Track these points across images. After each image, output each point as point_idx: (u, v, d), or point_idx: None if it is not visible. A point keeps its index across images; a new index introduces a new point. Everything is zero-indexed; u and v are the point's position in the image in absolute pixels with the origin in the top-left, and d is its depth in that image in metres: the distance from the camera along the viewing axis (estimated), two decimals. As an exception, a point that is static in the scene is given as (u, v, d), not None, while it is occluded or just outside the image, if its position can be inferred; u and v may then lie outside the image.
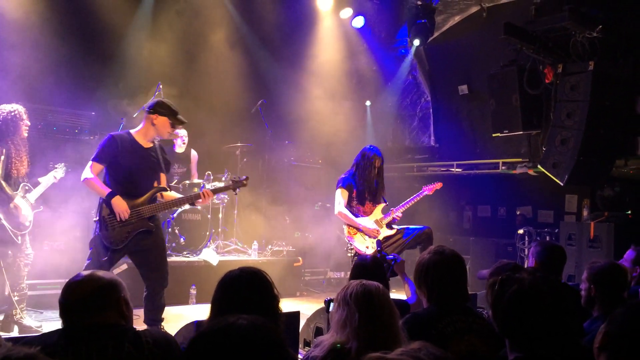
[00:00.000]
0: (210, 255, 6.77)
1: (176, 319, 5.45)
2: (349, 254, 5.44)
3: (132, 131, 4.39)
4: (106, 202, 4.17)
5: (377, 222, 5.42)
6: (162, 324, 4.47)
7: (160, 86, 6.90)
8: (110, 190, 4.17)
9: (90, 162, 4.25)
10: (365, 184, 5.42)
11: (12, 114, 4.71)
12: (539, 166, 6.84)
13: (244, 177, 4.73)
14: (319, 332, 3.58)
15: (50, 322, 5.00)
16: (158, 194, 4.43)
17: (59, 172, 5.12)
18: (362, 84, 9.94)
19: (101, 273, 2.07)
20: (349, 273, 5.71)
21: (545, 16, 6.57)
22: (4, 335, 4.49)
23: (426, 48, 9.23)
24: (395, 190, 7.57)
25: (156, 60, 7.61)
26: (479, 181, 8.76)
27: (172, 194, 4.54)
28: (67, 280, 2.05)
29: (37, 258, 5.23)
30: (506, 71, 7.26)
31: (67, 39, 6.66)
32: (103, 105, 7.02)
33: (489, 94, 7.63)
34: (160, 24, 7.74)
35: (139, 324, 3.89)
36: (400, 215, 5.51)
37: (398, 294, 3.94)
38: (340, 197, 5.38)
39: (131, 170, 4.28)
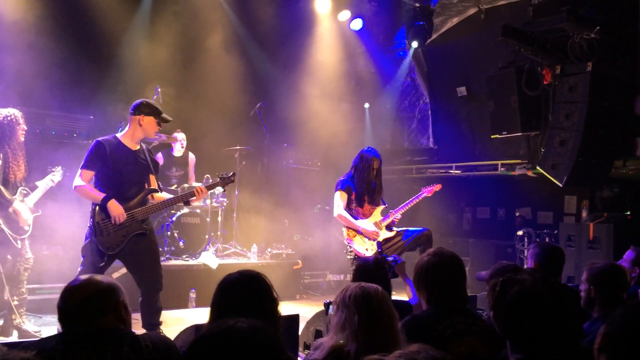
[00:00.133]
0: (209, 258, 6.76)
1: (176, 322, 5.45)
2: (349, 257, 5.44)
3: (118, 135, 4.39)
4: (101, 207, 4.15)
5: (376, 224, 5.43)
6: (162, 327, 4.46)
7: (159, 89, 6.91)
8: (104, 194, 4.16)
9: (79, 170, 4.24)
10: (363, 186, 5.42)
11: (9, 118, 4.71)
12: (537, 167, 6.84)
13: (232, 173, 4.73)
14: (318, 335, 3.58)
15: (49, 326, 5.00)
16: (149, 196, 4.43)
17: (56, 176, 5.12)
18: (360, 86, 9.95)
19: (100, 277, 2.07)
20: (348, 276, 5.73)
21: (543, 17, 6.60)
22: (3, 340, 4.49)
23: (424, 50, 9.24)
24: (395, 192, 7.56)
25: (154, 64, 7.61)
26: (478, 183, 8.76)
27: (163, 195, 4.56)
28: (66, 284, 2.04)
29: (36, 262, 5.22)
30: (504, 72, 7.27)
31: (65, 42, 6.66)
32: (101, 109, 7.01)
33: (488, 96, 7.65)
34: (158, 27, 7.74)
35: (138, 329, 3.88)
36: (399, 217, 5.52)
37: (399, 296, 3.93)
38: (340, 199, 5.38)
39: (121, 174, 4.28)
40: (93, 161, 4.22)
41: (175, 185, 7.12)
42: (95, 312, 1.94)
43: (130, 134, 4.38)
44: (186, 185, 7.12)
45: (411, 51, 9.16)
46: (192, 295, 6.30)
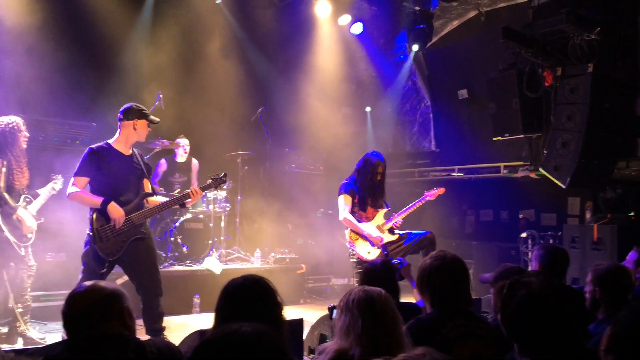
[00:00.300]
0: (213, 264, 6.76)
1: (180, 328, 5.45)
2: (351, 260, 5.44)
3: (110, 141, 4.40)
4: (101, 211, 4.16)
5: (379, 227, 5.43)
6: (166, 333, 4.46)
7: (161, 96, 6.93)
8: (103, 198, 4.17)
9: (72, 178, 4.24)
10: (367, 189, 5.42)
11: (10, 125, 4.72)
12: (540, 169, 6.83)
13: (223, 173, 4.74)
14: (322, 339, 3.57)
15: (54, 333, 4.99)
16: (144, 200, 4.44)
17: (57, 184, 5.13)
18: (361, 90, 9.97)
19: (103, 283, 2.08)
20: (352, 279, 5.72)
21: (543, 19, 6.60)
22: (8, 347, 4.49)
23: (425, 53, 9.26)
24: (397, 195, 7.56)
25: (155, 69, 7.63)
26: (481, 185, 8.75)
27: (158, 199, 4.57)
28: (70, 291, 2.05)
29: (40, 269, 5.23)
30: (505, 75, 7.28)
31: (66, 48, 6.66)
32: (103, 116, 7.03)
33: (489, 98, 7.65)
34: (159, 32, 7.77)
35: (142, 335, 3.88)
36: (400, 221, 5.51)
37: (406, 298, 3.92)
38: (344, 202, 5.39)
39: (117, 179, 4.29)
40: (87, 168, 4.23)
41: (178, 191, 7.13)
42: (99, 318, 1.94)
43: (124, 139, 4.39)
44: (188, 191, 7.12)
45: (412, 54, 9.17)
46: (196, 300, 6.30)
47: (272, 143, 8.50)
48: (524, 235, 7.65)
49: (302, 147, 9.07)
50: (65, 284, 5.45)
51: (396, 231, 5.48)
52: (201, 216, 7.22)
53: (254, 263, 7.40)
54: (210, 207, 7.38)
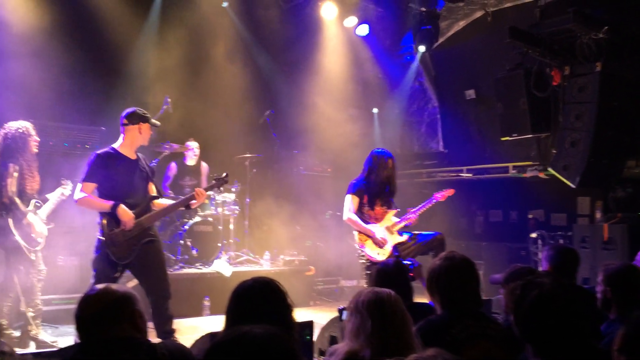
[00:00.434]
0: (222, 266, 6.78)
1: (191, 330, 5.46)
2: (361, 261, 5.41)
3: (115, 146, 4.42)
4: (111, 215, 4.19)
5: (387, 228, 5.36)
6: (176, 336, 4.48)
7: (169, 100, 6.96)
8: (112, 202, 4.20)
9: (79, 184, 4.26)
10: (377, 187, 5.34)
11: (20, 130, 4.78)
12: (549, 169, 6.81)
13: (225, 174, 4.79)
14: (333, 340, 3.57)
15: (65, 336, 5.03)
16: (151, 203, 4.48)
17: (66, 189, 5.17)
18: (368, 92, 9.96)
19: (115, 286, 2.09)
20: (361, 281, 5.70)
21: (550, 19, 6.58)
22: (22, 351, 4.53)
23: (431, 54, 9.25)
24: (405, 196, 7.53)
25: (163, 74, 7.66)
26: (490, 185, 8.72)
27: (164, 202, 4.60)
28: (82, 294, 2.07)
29: (52, 273, 5.28)
30: (513, 74, 7.26)
31: (75, 53, 6.70)
32: (113, 120, 7.08)
33: (497, 98, 7.63)
34: (167, 37, 7.81)
35: (153, 338, 3.90)
36: (414, 217, 5.40)
37: (418, 299, 3.91)
38: (350, 203, 5.34)
39: (124, 184, 4.32)
40: (94, 173, 4.25)
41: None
42: (111, 321, 1.96)
43: (129, 144, 4.42)
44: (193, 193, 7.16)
45: (418, 55, 9.16)
46: (206, 303, 6.32)
47: (280, 145, 8.52)
48: (533, 235, 7.61)
49: (309, 149, 9.07)
50: (77, 288, 5.51)
51: (405, 232, 5.44)
52: (210, 219, 7.25)
53: (263, 265, 7.42)
54: (219, 210, 7.40)
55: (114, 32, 7.14)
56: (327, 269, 8.11)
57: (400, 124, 10.14)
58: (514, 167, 8.15)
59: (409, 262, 3.74)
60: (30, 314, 4.70)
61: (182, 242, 6.86)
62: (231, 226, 7.60)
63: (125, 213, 4.20)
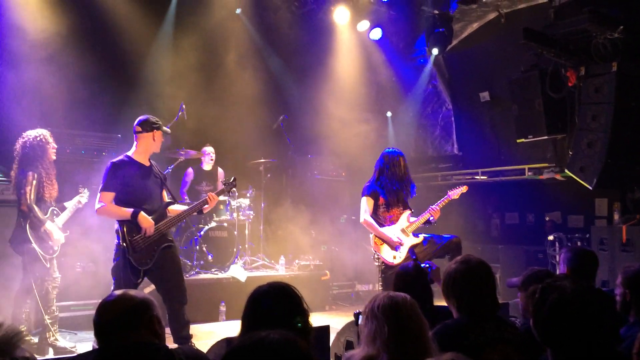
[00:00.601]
0: (238, 271, 6.81)
1: (207, 336, 5.49)
2: (376, 264, 5.38)
3: (129, 153, 4.47)
4: (131, 222, 4.23)
5: (403, 230, 5.32)
6: (193, 341, 4.51)
7: (184, 106, 7.01)
8: (132, 209, 4.24)
9: (99, 194, 4.30)
10: (393, 187, 5.28)
11: (38, 138, 4.86)
12: (566, 170, 6.74)
13: (233, 178, 4.94)
14: (349, 345, 3.57)
15: (84, 342, 5.09)
16: (166, 209, 4.52)
17: (83, 197, 5.23)
18: (382, 95, 9.96)
19: (133, 292, 2.11)
20: (377, 285, 5.68)
21: (564, 19, 6.52)
22: (41, 358, 4.58)
23: (445, 56, 9.22)
24: (420, 199, 7.49)
25: (177, 80, 7.74)
26: (505, 188, 8.66)
27: (178, 207, 4.63)
28: (100, 300, 2.09)
29: (70, 279, 5.33)
30: (528, 76, 7.21)
31: (90, 61, 6.77)
32: (128, 127, 7.16)
33: (511, 100, 7.58)
34: (181, 44, 7.89)
35: (170, 344, 3.92)
36: (436, 208, 5.34)
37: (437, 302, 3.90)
38: (366, 205, 5.30)
39: (140, 190, 4.37)
40: (111, 182, 4.29)
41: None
42: (129, 327, 1.97)
43: (143, 151, 4.47)
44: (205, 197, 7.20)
45: (432, 58, 9.15)
46: (222, 308, 6.34)
47: (294, 150, 8.54)
48: (551, 237, 7.53)
49: (324, 154, 9.09)
50: (94, 294, 5.56)
51: (420, 234, 5.39)
52: (225, 224, 7.28)
53: (279, 270, 7.43)
54: (234, 215, 7.44)
55: (129, 39, 7.22)
56: (343, 274, 8.11)
57: (415, 127, 10.12)
58: (530, 169, 8.09)
59: (426, 265, 3.71)
60: (47, 321, 4.75)
61: (197, 247, 6.90)
62: (246, 231, 7.63)
63: (146, 220, 4.25)
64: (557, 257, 7.11)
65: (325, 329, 3.37)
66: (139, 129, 4.45)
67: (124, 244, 4.18)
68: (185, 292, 4.45)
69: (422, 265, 3.67)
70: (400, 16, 8.85)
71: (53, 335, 4.80)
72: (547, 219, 8.28)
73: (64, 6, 6.60)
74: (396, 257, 5.20)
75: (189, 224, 7.10)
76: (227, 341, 2.91)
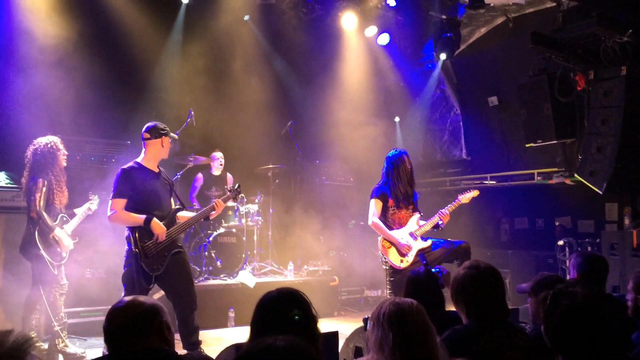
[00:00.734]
0: (246, 277, 6.82)
1: (216, 342, 5.50)
2: (384, 267, 5.35)
3: (138, 160, 4.49)
4: (143, 228, 4.25)
5: (412, 233, 5.30)
6: (202, 347, 4.51)
7: (192, 113, 7.05)
8: (144, 216, 4.27)
9: (110, 201, 4.31)
10: (400, 188, 5.26)
11: (49, 145, 4.90)
12: (576, 175, 6.70)
13: (237, 184, 5.01)
14: (358, 351, 3.55)
15: (94, 349, 5.11)
16: (175, 215, 4.55)
17: (93, 204, 5.26)
18: (390, 101, 9.96)
19: (143, 298, 2.12)
20: (385, 291, 5.66)
21: (573, 23, 6.49)
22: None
23: (453, 61, 9.21)
24: (429, 204, 7.49)
25: (186, 87, 7.79)
26: (515, 193, 8.62)
27: (186, 214, 4.66)
28: (110, 307, 2.10)
29: (80, 286, 5.35)
30: (536, 80, 7.18)
31: (99, 67, 6.81)
32: (138, 134, 7.20)
33: (520, 104, 7.55)
34: (189, 51, 7.94)
35: (179, 350, 3.93)
36: (446, 212, 5.32)
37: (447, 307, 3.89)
38: (374, 207, 5.27)
39: (150, 197, 4.39)
40: (122, 189, 4.31)
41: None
42: (139, 332, 1.98)
43: (152, 157, 4.50)
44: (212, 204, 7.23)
45: (440, 63, 9.14)
46: (231, 314, 6.35)
47: (302, 156, 8.55)
48: (560, 243, 7.48)
49: (332, 159, 9.09)
50: (104, 300, 5.59)
51: (429, 238, 5.36)
52: (234, 230, 7.30)
53: (287, 276, 7.43)
54: (243, 221, 7.46)
55: (138, 46, 7.28)
56: (351, 279, 8.09)
57: (423, 132, 10.10)
58: (539, 174, 8.04)
59: (437, 270, 3.69)
60: (56, 328, 4.78)
61: (206, 253, 6.92)
62: (255, 237, 7.64)
63: (158, 225, 4.27)
64: (567, 262, 7.06)
65: (334, 335, 3.37)
66: (147, 135, 4.48)
67: (136, 250, 4.19)
68: (195, 298, 4.46)
69: (433, 270, 3.65)
70: (408, 21, 8.86)
71: (63, 342, 4.82)
72: (556, 223, 8.23)
73: (74, 12, 6.66)
74: (403, 261, 5.17)
75: (198, 230, 7.13)
76: (236, 347, 2.91)
